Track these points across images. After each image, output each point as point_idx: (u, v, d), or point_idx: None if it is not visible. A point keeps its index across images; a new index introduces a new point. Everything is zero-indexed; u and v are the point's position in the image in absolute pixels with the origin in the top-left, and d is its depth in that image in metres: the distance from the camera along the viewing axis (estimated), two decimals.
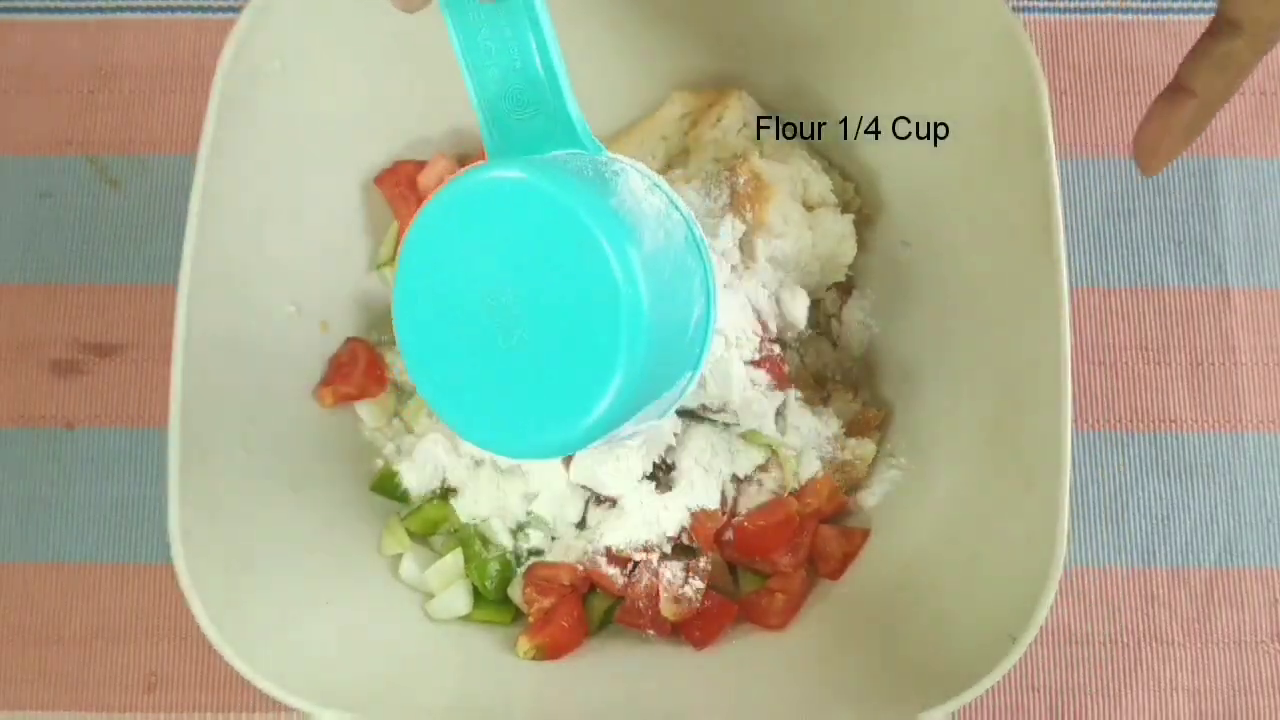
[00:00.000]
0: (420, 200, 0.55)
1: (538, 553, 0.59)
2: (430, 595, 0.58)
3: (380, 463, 0.61)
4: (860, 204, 0.63)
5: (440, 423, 0.60)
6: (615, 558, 0.57)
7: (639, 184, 0.44)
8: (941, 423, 0.57)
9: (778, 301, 0.58)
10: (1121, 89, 0.69)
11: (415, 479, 0.59)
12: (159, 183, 0.68)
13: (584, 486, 0.58)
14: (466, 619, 0.58)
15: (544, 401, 0.41)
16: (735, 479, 0.59)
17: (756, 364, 0.57)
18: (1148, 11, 0.70)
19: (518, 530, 0.59)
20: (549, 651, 0.56)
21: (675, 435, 0.57)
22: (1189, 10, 0.70)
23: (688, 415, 0.58)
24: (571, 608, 0.57)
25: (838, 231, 0.60)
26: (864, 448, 0.59)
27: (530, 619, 0.57)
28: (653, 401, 0.45)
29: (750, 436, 0.58)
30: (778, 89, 0.63)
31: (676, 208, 0.45)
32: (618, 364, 0.40)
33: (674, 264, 0.43)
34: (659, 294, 0.41)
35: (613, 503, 0.58)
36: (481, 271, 0.41)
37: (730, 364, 0.56)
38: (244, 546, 0.52)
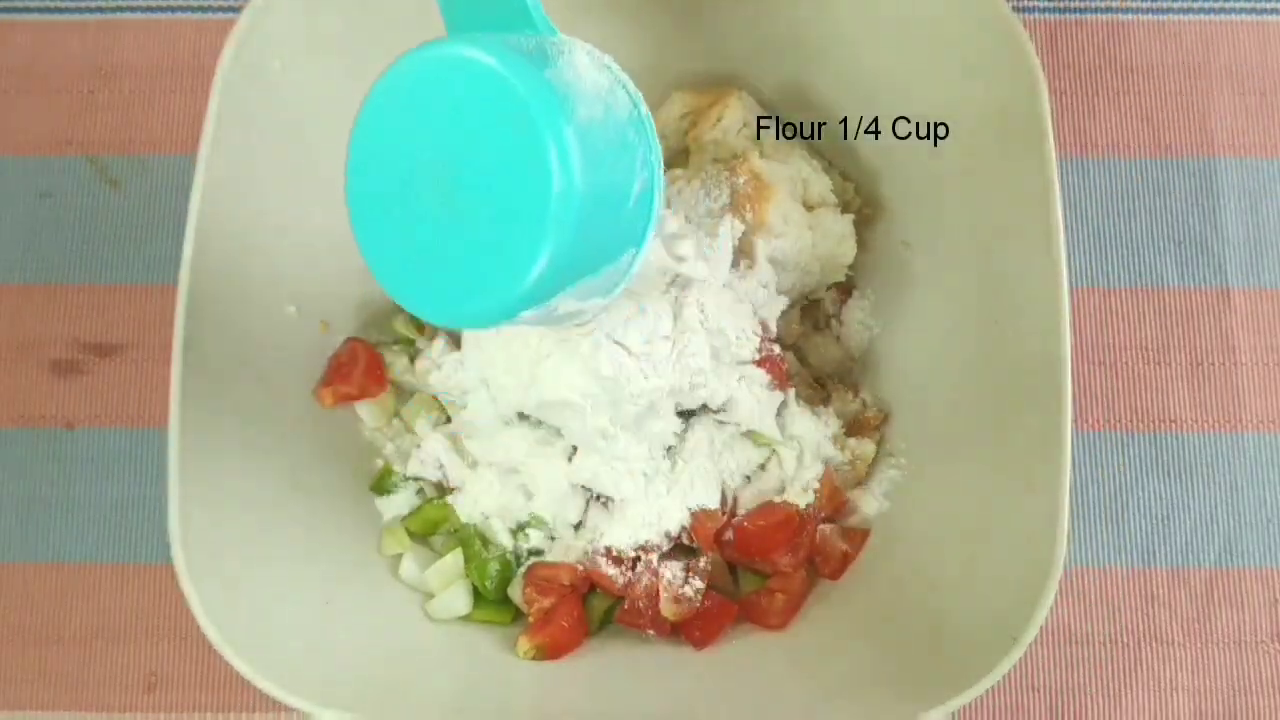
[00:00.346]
0: None
1: (538, 553, 0.59)
2: (430, 595, 0.58)
3: (380, 463, 0.61)
4: (860, 204, 0.63)
5: (439, 429, 0.60)
6: (615, 558, 0.57)
7: (584, 61, 0.43)
8: (941, 423, 0.57)
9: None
10: (1120, 89, 0.69)
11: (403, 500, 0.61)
12: (159, 183, 0.68)
13: (584, 486, 0.58)
14: (466, 619, 0.58)
15: (478, 269, 0.41)
16: (735, 479, 0.59)
17: (757, 364, 0.57)
18: (1147, 11, 0.70)
19: (518, 530, 0.59)
20: (549, 651, 0.56)
21: (676, 435, 0.57)
22: (1189, 10, 0.70)
23: (688, 415, 0.58)
24: (571, 608, 0.57)
25: (838, 231, 0.60)
26: (864, 448, 0.59)
27: (530, 619, 0.57)
28: (592, 274, 0.45)
29: (751, 436, 0.58)
30: (778, 89, 0.63)
31: (624, 87, 0.45)
32: (547, 230, 0.40)
33: (613, 137, 0.43)
34: (594, 164, 0.41)
35: (613, 502, 0.58)
36: (425, 143, 0.42)
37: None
38: (244, 547, 0.52)
